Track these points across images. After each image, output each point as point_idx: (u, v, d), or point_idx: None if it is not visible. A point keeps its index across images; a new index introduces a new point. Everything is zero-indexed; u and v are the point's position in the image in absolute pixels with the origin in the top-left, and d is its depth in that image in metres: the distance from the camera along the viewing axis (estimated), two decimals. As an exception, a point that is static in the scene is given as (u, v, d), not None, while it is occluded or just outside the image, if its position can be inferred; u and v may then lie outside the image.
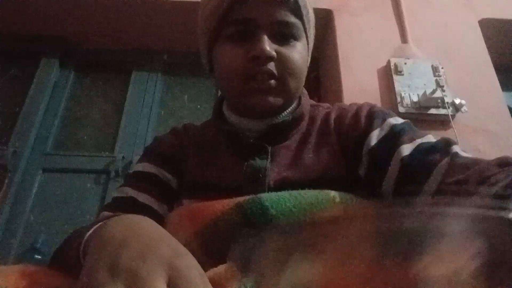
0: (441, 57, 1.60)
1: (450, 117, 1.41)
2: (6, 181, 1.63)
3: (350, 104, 0.62)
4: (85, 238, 0.36)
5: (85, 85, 2.02)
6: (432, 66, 1.56)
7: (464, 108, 1.42)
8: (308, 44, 0.60)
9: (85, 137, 1.87)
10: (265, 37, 0.52)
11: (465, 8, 1.79)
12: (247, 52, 0.53)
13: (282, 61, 0.54)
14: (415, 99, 1.46)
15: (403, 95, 1.47)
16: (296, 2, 0.55)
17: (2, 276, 0.31)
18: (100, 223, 0.37)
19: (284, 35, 0.55)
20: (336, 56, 1.62)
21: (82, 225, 0.55)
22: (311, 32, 0.61)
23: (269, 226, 0.41)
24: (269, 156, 0.54)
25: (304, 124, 0.60)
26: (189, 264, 0.28)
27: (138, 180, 0.59)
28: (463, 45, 1.68)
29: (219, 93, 0.67)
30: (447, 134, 1.42)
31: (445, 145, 0.46)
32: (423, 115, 1.45)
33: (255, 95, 0.54)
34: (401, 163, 0.47)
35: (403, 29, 1.69)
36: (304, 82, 0.60)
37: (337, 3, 1.73)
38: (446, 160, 0.44)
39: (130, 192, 0.57)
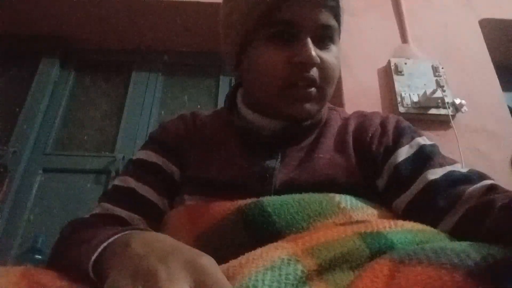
0: (441, 57, 1.60)
1: (450, 117, 1.41)
2: (6, 181, 1.63)
3: (372, 113, 0.61)
4: (98, 251, 0.34)
5: (85, 85, 2.02)
6: (432, 66, 1.56)
7: (464, 108, 1.42)
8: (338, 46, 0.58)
9: (85, 137, 1.87)
10: (310, 41, 0.50)
11: (465, 8, 1.79)
12: (290, 57, 0.50)
13: (324, 67, 0.52)
14: (415, 99, 1.46)
15: (403, 95, 1.47)
16: (338, 5, 0.53)
17: (3, 277, 0.31)
18: (113, 238, 0.35)
19: (323, 39, 0.53)
20: (336, 56, 1.61)
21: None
22: (341, 34, 0.60)
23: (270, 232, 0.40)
24: (279, 157, 0.53)
25: (319, 127, 0.58)
26: (212, 262, 0.28)
27: (140, 169, 0.57)
28: (463, 45, 1.68)
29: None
30: (447, 134, 1.42)
31: (479, 177, 0.45)
32: (423, 115, 1.45)
33: (295, 104, 0.52)
34: (426, 185, 0.46)
35: (403, 29, 1.68)
36: None
37: (337, 3, 1.73)
38: (474, 190, 0.43)
39: (131, 182, 0.55)
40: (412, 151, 0.51)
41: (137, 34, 1.98)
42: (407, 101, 1.46)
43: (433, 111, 1.45)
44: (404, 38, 1.67)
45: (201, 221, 0.45)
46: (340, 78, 1.56)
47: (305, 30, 0.51)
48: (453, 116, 1.43)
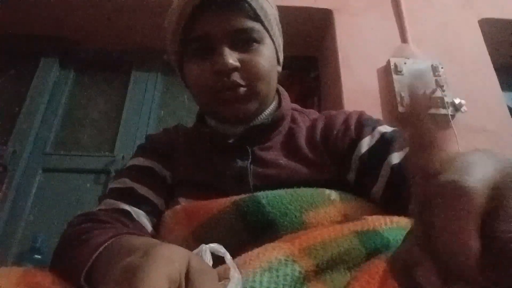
0: (441, 57, 1.60)
1: (450, 117, 1.41)
2: (6, 181, 1.63)
3: (339, 112, 0.63)
4: (91, 261, 0.36)
5: (85, 85, 2.02)
6: (432, 66, 1.56)
7: (464, 108, 1.43)
8: (274, 43, 0.60)
9: (85, 137, 1.87)
10: (226, 49, 0.53)
11: (465, 8, 1.79)
12: (211, 67, 0.54)
13: (247, 68, 0.54)
14: (415, 99, 1.46)
15: (403, 95, 1.48)
16: (251, 6, 0.54)
17: (4, 277, 0.31)
18: (105, 245, 0.37)
19: (245, 41, 0.55)
20: (336, 56, 1.62)
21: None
22: (275, 30, 0.61)
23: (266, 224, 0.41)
24: (250, 157, 0.55)
25: (285, 126, 0.61)
26: (155, 254, 0.26)
27: (136, 172, 0.59)
28: (463, 45, 1.68)
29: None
30: (447, 134, 1.42)
31: None
32: (423, 115, 1.45)
33: (227, 106, 0.55)
34: (391, 171, 0.47)
35: (403, 29, 1.68)
36: (275, 83, 0.61)
37: (337, 3, 1.73)
38: None
39: (129, 183, 0.56)
40: (374, 140, 0.52)
41: (136, 33, 1.98)
42: (407, 101, 1.46)
43: (433, 111, 1.45)
44: (404, 38, 1.67)
45: (198, 216, 0.46)
46: (339, 77, 1.57)
47: (219, 40, 0.54)
48: (453, 116, 1.43)
